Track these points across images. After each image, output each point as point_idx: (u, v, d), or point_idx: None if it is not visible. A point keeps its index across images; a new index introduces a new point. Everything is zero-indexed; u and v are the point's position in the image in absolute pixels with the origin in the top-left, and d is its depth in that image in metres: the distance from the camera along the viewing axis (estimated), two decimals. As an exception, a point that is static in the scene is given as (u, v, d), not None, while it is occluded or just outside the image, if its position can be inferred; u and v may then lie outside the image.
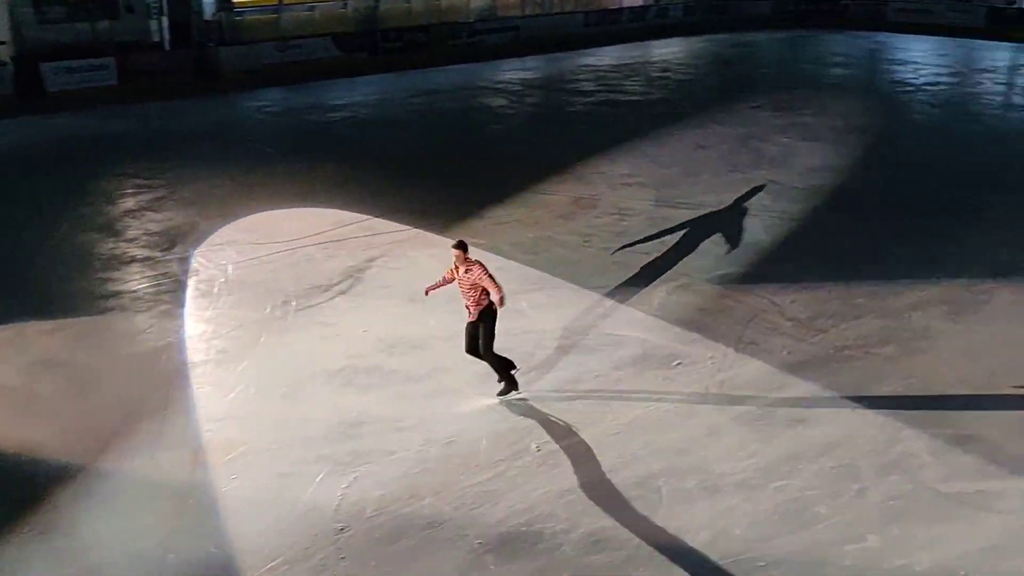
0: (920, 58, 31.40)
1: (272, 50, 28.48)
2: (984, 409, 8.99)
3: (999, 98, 25.43)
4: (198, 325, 11.12)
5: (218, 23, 28.55)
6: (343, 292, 12.05)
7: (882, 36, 36.16)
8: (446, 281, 9.29)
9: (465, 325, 9.11)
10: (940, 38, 34.89)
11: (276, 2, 29.82)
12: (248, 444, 8.60)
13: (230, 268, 12.83)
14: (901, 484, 7.85)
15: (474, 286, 8.85)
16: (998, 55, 31.77)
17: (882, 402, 9.13)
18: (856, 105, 23.16)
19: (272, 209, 15.32)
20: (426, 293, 9.59)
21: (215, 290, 12.12)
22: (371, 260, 13.05)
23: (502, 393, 9.26)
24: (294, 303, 11.66)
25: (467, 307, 9.02)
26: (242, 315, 11.29)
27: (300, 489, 7.90)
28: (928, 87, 26.18)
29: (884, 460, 8.18)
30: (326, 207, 15.35)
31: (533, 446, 8.48)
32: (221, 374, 9.94)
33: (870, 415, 8.91)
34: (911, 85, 26.73)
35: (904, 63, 30.87)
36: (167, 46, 27.53)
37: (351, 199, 15.65)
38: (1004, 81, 28.03)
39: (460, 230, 14.04)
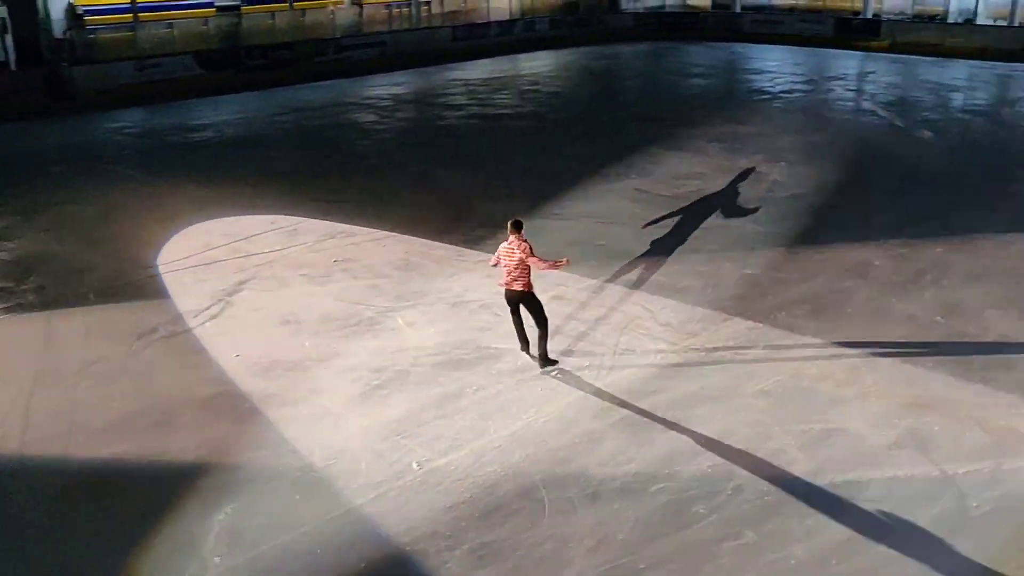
0: (775, 67, 32.77)
1: (131, 69, 27.52)
2: (847, 403, 9.37)
3: (850, 103, 26.73)
4: (58, 360, 10.58)
5: (70, 41, 27.37)
6: (214, 317, 11.68)
7: (739, 46, 37.60)
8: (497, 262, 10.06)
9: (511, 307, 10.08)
10: (792, 47, 36.52)
11: (130, 19, 28.75)
12: (119, 479, 8.23)
13: (91, 296, 12.27)
14: (774, 480, 8.10)
15: (522, 262, 9.68)
16: (847, 63, 33.44)
17: (753, 401, 9.42)
18: (718, 114, 23.93)
19: (135, 233, 14.75)
20: (494, 265, 10.20)
21: (75, 321, 11.56)
22: (242, 283, 12.70)
23: (546, 365, 10.01)
24: (161, 331, 11.23)
25: (504, 281, 9.90)
26: (106, 347, 10.80)
27: (172, 522, 7.59)
28: (784, 95, 27.31)
29: (757, 457, 8.43)
30: (192, 230, 14.88)
31: (414, 464, 8.39)
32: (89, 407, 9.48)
33: (742, 414, 9.17)
34: (768, 93, 27.83)
35: (760, 72, 32.14)
36: (13, 66, 26.23)
37: (217, 221, 15.22)
38: (854, 88, 29.49)
39: (333, 250, 13.86)
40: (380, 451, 8.63)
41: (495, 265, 10.16)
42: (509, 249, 9.79)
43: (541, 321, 9.95)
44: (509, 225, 9.84)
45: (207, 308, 11.89)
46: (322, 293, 12.38)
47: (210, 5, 31.49)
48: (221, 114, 25.10)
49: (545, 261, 9.82)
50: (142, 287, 12.59)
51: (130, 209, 16.00)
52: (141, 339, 11.01)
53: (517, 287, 9.83)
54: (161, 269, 13.18)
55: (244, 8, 32.25)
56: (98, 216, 15.63)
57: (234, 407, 9.48)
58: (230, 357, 10.53)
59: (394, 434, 8.90)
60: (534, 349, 10.16)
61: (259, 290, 12.50)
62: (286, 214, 15.50)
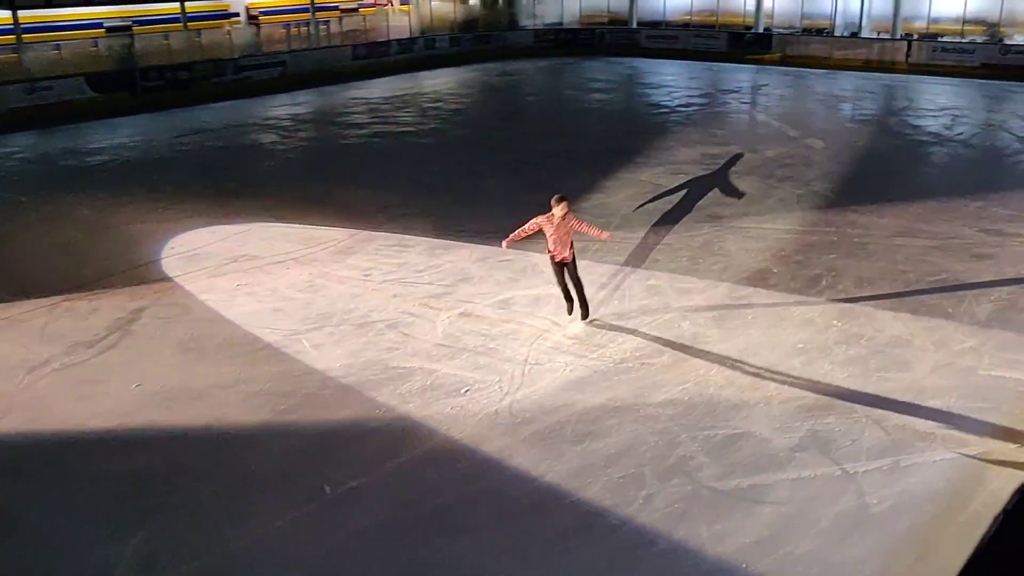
0: (672, 81, 33.53)
1: (19, 92, 26.56)
2: (751, 408, 9.59)
3: (745, 116, 27.51)
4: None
5: (-50, 65, 26.35)
6: (111, 347, 11.31)
7: (636, 61, 38.34)
8: (530, 231, 11.19)
9: (553, 267, 11.39)
10: (688, 62, 37.43)
11: (14, 40, 27.77)
12: (17, 520, 7.90)
13: (-22, 331, 11.76)
14: (683, 486, 8.23)
15: (569, 232, 11.04)
16: (741, 76, 34.43)
17: (660, 409, 9.56)
18: (618, 128, 24.33)
19: (25, 261, 14.21)
20: (505, 246, 11.46)
21: (-39, 357, 11.06)
22: (140, 310, 12.34)
23: (586, 316, 11.64)
24: (55, 363, 10.82)
25: (553, 252, 11.14)
26: (-5, 381, 10.36)
27: (83, 552, 7.31)
28: (682, 108, 27.95)
29: (666, 465, 8.55)
30: (88, 257, 14.41)
31: (326, 489, 8.26)
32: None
33: (650, 423, 9.30)
34: (666, 107, 28.44)
35: (658, 87, 32.85)
36: None
37: (115, 246, 14.78)
38: (748, 100, 30.37)
39: (236, 274, 13.60)
40: (289, 476, 8.48)
41: (522, 239, 11.37)
42: (562, 222, 10.94)
43: (580, 281, 11.49)
44: (555, 200, 10.92)
45: (104, 337, 11.51)
46: (224, 318, 12.12)
47: (99, 26, 30.63)
48: (117, 137, 24.40)
49: (597, 229, 11.60)
50: (32, 318, 12.12)
51: (20, 237, 15.41)
52: (32, 372, 10.59)
53: (568, 255, 11.15)
54: (54, 299, 12.71)
55: (136, 28, 31.46)
56: (-15, 246, 15.03)
57: (134, 439, 9.18)
58: (129, 388, 10.21)
59: (304, 458, 8.76)
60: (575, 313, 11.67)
61: (158, 317, 12.16)
62: (188, 238, 15.14)
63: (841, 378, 10.18)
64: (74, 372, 10.65)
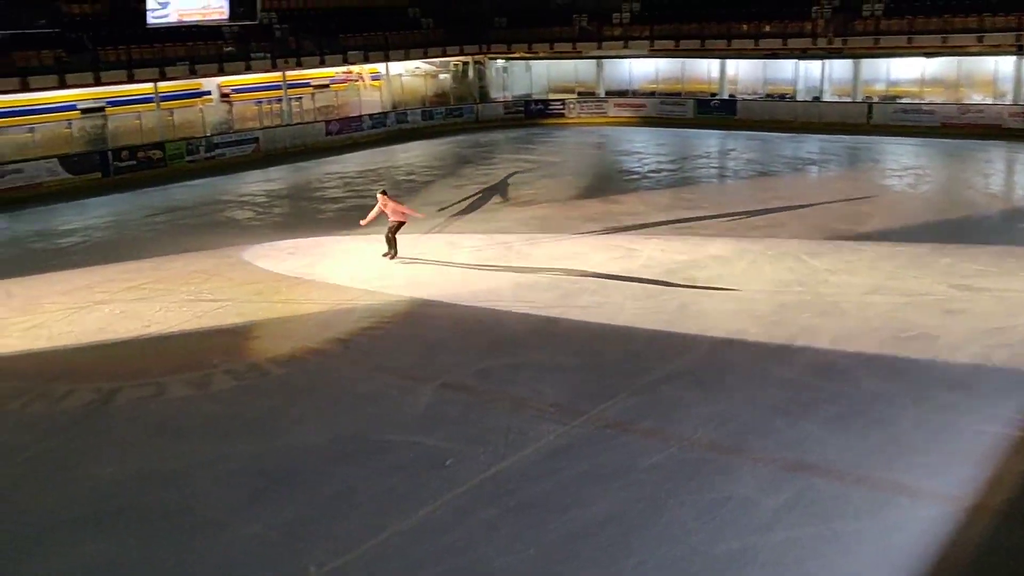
0: (642, 147, 34.06)
1: (-12, 176, 26.55)
2: (737, 470, 9.58)
3: (715, 180, 27.95)
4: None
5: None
6: (86, 430, 11.15)
7: (605, 129, 38.94)
8: (380, 213, 17.66)
9: (386, 231, 17.68)
10: (656, 128, 38.07)
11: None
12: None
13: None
14: (673, 551, 8.16)
15: (395, 211, 17.47)
16: (708, 141, 35.01)
17: (646, 475, 9.51)
18: (592, 195, 24.59)
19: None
20: (362, 224, 17.94)
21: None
22: (115, 391, 12.20)
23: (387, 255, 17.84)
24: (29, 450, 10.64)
25: (391, 221, 17.61)
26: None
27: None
28: (652, 174, 28.35)
29: (655, 531, 8.49)
30: (61, 336, 14.27)
31: (311, 568, 8.12)
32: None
33: (636, 489, 9.24)
34: (637, 173, 28.85)
35: (629, 153, 33.36)
36: None
37: (86, 331, 14.65)
38: (717, 165, 30.90)
39: (213, 351, 13.51)
40: (271, 556, 8.34)
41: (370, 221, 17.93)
42: (388, 206, 17.63)
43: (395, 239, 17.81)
44: (379, 194, 17.84)
45: (81, 421, 11.36)
46: (202, 397, 12.02)
47: (73, 108, 30.79)
48: (90, 217, 24.33)
49: (412, 211, 18.22)
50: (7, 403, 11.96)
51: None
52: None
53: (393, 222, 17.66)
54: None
55: (109, 109, 31.64)
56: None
57: (116, 523, 9.01)
58: (104, 470, 10.04)
59: (287, 536, 8.62)
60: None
61: (135, 398, 12.03)
62: (157, 320, 15.02)
63: (823, 436, 10.20)
64: (46, 459, 10.47)
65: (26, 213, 24.93)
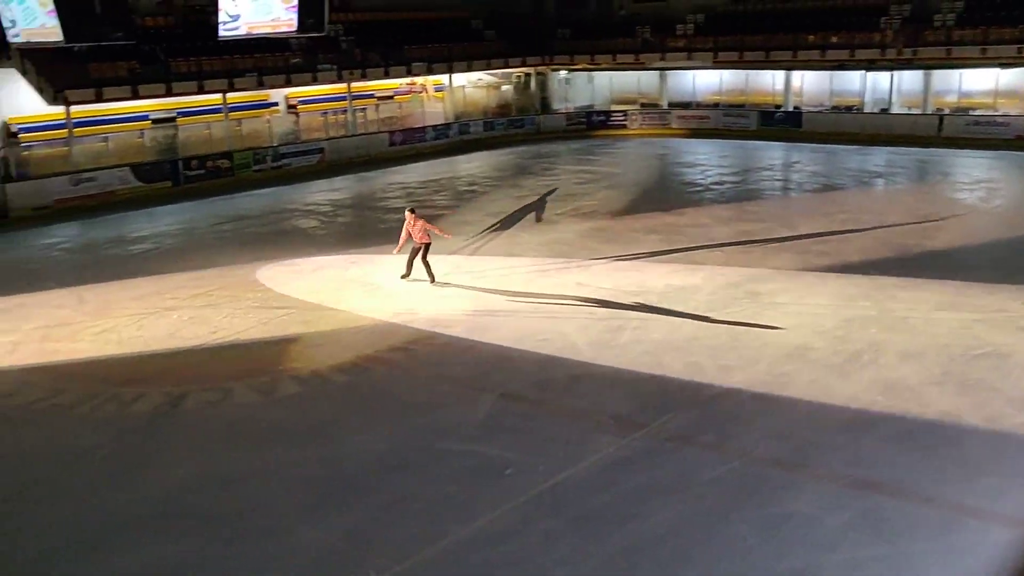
0: (704, 160, 33.81)
1: (65, 184, 27.35)
2: (800, 486, 9.44)
3: (778, 193, 27.62)
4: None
5: (4, 159, 27.18)
6: (156, 432, 11.42)
7: (668, 141, 38.73)
8: (408, 235, 17.25)
9: (411, 251, 17.26)
10: (720, 140, 37.75)
11: (66, 134, 28.68)
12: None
13: None
14: (733, 567, 8.07)
15: (421, 230, 16.96)
16: (772, 154, 34.62)
17: (706, 488, 9.43)
18: (653, 206, 24.47)
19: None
20: (395, 253, 17.67)
21: None
22: (182, 395, 12.48)
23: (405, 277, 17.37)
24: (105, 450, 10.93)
25: (416, 240, 17.05)
26: None
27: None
28: (715, 186, 28.11)
29: (715, 546, 8.41)
30: (132, 341, 14.63)
31: (371, 574, 8.20)
32: None
33: (696, 503, 9.17)
34: (700, 185, 28.64)
35: (692, 165, 33.13)
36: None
37: (159, 338, 15.01)
38: (781, 177, 30.52)
39: (274, 355, 13.72)
40: (333, 562, 8.44)
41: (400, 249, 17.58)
42: (415, 224, 17.08)
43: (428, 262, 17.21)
44: (407, 212, 17.37)
45: (150, 424, 11.63)
46: (267, 403, 12.23)
47: (145, 118, 31.61)
48: (160, 225, 24.94)
49: (440, 230, 17.86)
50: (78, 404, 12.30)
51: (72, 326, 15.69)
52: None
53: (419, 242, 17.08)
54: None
55: (180, 119, 32.42)
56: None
57: (178, 526, 9.21)
58: (170, 474, 10.27)
59: (347, 542, 8.72)
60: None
61: (203, 402, 12.29)
62: (224, 326, 15.33)
63: (890, 454, 10.01)
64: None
65: (99, 220, 25.65)
